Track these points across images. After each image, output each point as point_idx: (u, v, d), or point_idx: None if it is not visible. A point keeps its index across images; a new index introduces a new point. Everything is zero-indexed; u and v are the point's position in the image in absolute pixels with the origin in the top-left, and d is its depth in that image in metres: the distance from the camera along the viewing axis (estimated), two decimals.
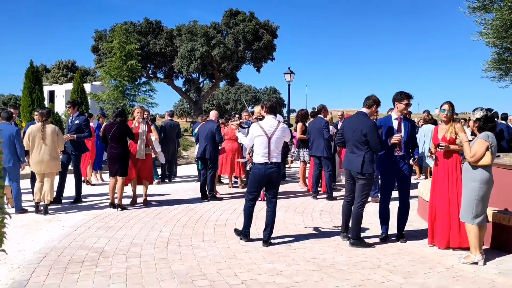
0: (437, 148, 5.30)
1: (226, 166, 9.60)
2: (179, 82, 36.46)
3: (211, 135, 8.33)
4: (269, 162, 5.31)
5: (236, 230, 5.82)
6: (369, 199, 6.06)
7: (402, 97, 5.54)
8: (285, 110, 39.89)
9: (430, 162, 10.77)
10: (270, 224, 5.39)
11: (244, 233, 5.61)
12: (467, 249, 5.00)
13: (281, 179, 11.24)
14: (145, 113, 8.85)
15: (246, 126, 7.75)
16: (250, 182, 5.57)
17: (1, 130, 6.80)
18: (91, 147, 9.97)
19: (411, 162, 5.63)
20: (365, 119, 5.35)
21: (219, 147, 8.86)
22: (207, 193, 8.43)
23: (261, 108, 5.70)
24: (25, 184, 8.15)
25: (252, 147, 5.74)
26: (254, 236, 5.69)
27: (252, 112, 10.03)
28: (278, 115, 12.03)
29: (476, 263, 4.73)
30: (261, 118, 6.03)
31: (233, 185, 9.96)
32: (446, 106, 5.30)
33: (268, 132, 5.33)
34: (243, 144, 8.52)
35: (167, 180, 11.01)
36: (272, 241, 5.49)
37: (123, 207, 7.36)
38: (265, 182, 5.43)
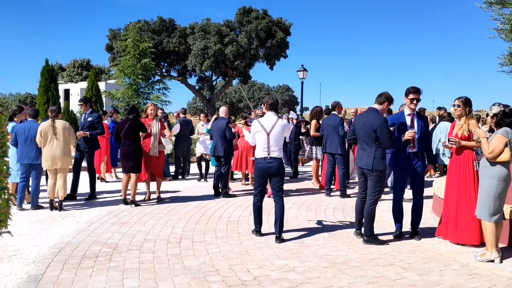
0: (448, 143, 5.27)
1: (240, 163, 9.60)
2: (192, 80, 36.66)
3: (221, 132, 8.33)
4: (268, 157, 5.42)
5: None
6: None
7: (409, 91, 5.48)
8: (298, 108, 39.75)
9: (445, 159, 10.66)
10: (279, 219, 5.43)
11: (255, 229, 5.67)
12: (477, 245, 4.96)
13: (294, 176, 11.30)
14: (159, 110, 8.90)
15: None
16: (254, 177, 5.72)
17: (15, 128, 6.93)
18: (105, 144, 10.05)
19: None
20: (376, 115, 5.30)
21: (233, 144, 8.84)
22: (220, 190, 8.45)
23: (263, 105, 5.83)
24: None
25: None
26: (267, 232, 5.70)
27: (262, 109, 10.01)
28: (291, 112, 11.98)
29: (492, 261, 4.66)
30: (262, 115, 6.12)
31: (246, 182, 9.96)
32: (456, 102, 5.27)
33: (267, 128, 5.45)
34: None
35: (180, 177, 11.06)
36: (285, 237, 5.48)
37: (136, 204, 7.42)
38: (266, 177, 5.53)
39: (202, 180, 10.56)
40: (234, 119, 10.04)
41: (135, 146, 7.44)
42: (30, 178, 7.13)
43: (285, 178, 9.45)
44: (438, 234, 5.56)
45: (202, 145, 10.48)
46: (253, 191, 5.72)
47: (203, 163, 10.70)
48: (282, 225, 5.48)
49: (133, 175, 7.43)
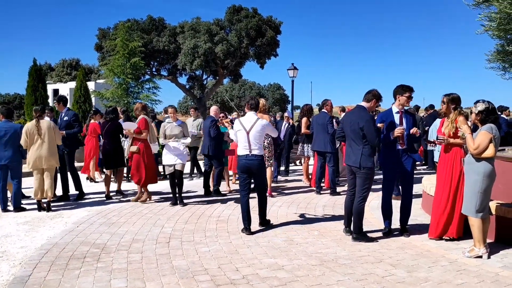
0: (437, 141, 5.32)
1: (234, 163, 9.52)
2: (182, 79, 36.38)
3: (208, 131, 8.29)
4: (249, 154, 5.65)
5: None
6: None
7: (404, 90, 5.50)
8: (289, 106, 39.74)
9: (437, 157, 10.76)
10: (261, 207, 5.86)
11: (244, 227, 5.69)
12: (459, 239, 5.09)
13: (286, 175, 11.30)
14: (132, 109, 9.05)
15: None
16: (238, 174, 6.00)
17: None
18: (95, 144, 10.04)
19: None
20: (362, 113, 5.32)
21: (223, 144, 8.78)
22: (210, 189, 8.44)
23: (245, 105, 6.03)
24: (30, 182, 8.18)
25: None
26: (257, 230, 5.72)
27: None
28: (288, 110, 11.94)
29: (480, 256, 4.69)
30: (244, 114, 6.24)
31: (237, 181, 9.92)
32: (443, 99, 5.34)
33: (246, 127, 5.70)
34: None
35: None
36: (274, 235, 5.49)
37: (122, 193, 8.14)
38: (249, 172, 5.74)
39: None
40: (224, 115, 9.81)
41: (114, 144, 8.03)
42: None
43: (277, 176, 9.39)
44: (431, 235, 5.43)
45: (174, 153, 7.49)
46: None
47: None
48: (265, 211, 5.95)
49: (120, 169, 8.26)
